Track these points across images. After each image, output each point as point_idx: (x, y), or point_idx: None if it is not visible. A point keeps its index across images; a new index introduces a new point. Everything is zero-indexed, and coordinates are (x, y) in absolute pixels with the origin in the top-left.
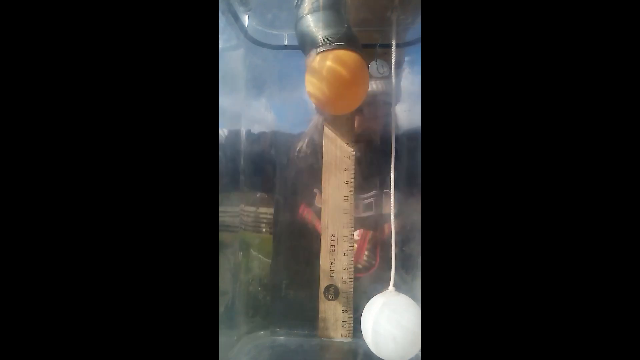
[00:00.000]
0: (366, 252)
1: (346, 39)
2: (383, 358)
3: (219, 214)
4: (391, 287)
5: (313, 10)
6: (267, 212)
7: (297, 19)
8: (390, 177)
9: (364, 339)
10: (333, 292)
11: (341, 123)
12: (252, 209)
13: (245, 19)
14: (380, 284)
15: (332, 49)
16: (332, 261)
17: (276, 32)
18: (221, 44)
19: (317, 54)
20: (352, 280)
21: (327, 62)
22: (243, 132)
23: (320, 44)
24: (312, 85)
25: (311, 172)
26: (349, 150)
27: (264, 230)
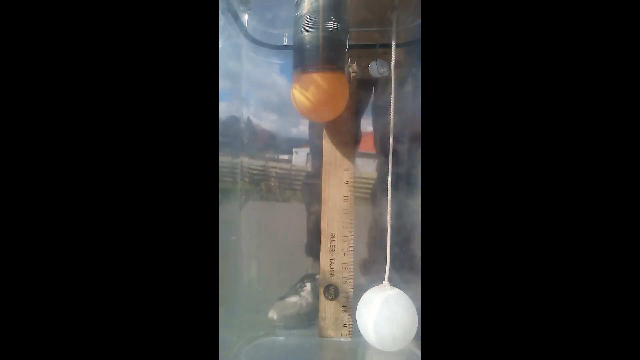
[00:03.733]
0: None
1: (331, 60)
2: (381, 349)
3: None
4: (385, 282)
5: (312, 10)
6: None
7: (297, 19)
8: (388, 176)
9: (363, 338)
10: (333, 291)
11: (341, 123)
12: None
13: (245, 18)
14: (379, 283)
15: (313, 72)
16: (332, 261)
17: (276, 32)
18: (221, 43)
19: (301, 73)
20: (352, 279)
21: (309, 83)
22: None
23: (307, 62)
24: (295, 98)
25: None
26: (349, 150)
27: (272, 184)
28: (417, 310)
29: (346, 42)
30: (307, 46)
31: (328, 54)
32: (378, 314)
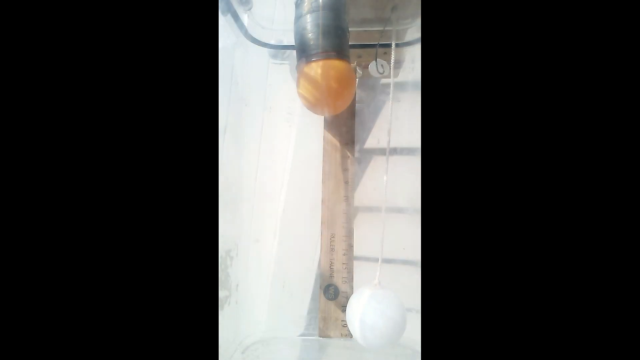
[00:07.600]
0: None
1: (337, 48)
2: (369, 346)
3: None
4: (376, 281)
5: (312, 10)
6: None
7: (297, 19)
8: (385, 176)
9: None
10: (333, 291)
11: (341, 123)
12: None
13: (245, 18)
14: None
15: (322, 59)
16: (332, 261)
17: (276, 31)
18: (221, 43)
19: (309, 62)
20: (352, 279)
21: (318, 71)
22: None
23: (313, 51)
24: (303, 90)
25: None
26: (349, 150)
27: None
28: (406, 311)
29: (347, 36)
30: (310, 35)
31: (331, 41)
32: (366, 305)
